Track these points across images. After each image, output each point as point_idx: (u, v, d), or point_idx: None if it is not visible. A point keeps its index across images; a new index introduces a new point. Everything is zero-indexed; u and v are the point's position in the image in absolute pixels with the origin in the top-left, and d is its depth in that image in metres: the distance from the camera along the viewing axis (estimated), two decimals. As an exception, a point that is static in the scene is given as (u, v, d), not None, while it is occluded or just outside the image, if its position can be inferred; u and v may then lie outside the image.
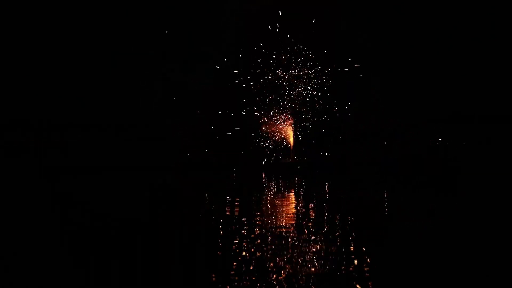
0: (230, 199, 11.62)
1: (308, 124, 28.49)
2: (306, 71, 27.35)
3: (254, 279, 4.24)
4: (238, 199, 11.62)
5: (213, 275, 4.46)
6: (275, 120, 28.62)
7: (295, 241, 5.91)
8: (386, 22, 30.66)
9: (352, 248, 5.58)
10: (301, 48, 27.38)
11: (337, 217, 8.26)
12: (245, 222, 7.48)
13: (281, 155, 28.81)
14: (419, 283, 4.20)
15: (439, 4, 30.21)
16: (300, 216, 8.22)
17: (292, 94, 28.19)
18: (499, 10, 29.39)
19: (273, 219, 7.90)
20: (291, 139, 29.06)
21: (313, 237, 6.22)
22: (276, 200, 11.12)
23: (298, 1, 27.82)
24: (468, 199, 10.76)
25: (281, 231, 6.55)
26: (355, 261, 4.87)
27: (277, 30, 26.65)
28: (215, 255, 5.27)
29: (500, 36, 29.90)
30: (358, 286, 4.06)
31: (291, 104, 28.37)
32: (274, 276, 4.34)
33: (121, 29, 32.08)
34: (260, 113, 28.22)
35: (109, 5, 31.77)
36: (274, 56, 27.11)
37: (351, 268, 4.62)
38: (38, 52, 31.58)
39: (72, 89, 32.64)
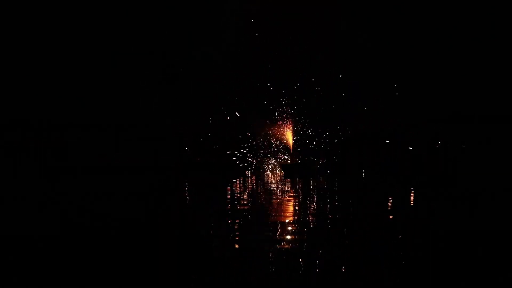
0: (230, 200, 11.64)
1: (307, 126, 28.50)
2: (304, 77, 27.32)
3: (252, 278, 4.24)
4: (238, 199, 11.63)
5: (212, 275, 4.46)
6: (274, 121, 28.59)
7: (296, 245, 5.91)
8: (386, 22, 30.68)
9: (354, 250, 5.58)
10: (301, 51, 27.33)
11: (338, 216, 8.25)
12: (245, 222, 7.49)
13: (280, 156, 28.83)
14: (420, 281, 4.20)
15: (439, 4, 30.22)
16: (301, 219, 8.21)
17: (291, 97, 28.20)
18: (499, 10, 29.40)
19: (273, 222, 7.90)
20: (290, 141, 29.05)
21: (312, 240, 6.22)
22: (275, 202, 11.12)
23: (298, 1, 27.83)
24: (467, 199, 10.76)
25: (282, 234, 6.55)
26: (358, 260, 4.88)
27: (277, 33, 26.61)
28: (214, 255, 5.27)
29: (500, 36, 29.91)
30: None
31: (290, 108, 28.37)
32: (274, 277, 4.34)
33: (121, 29, 32.09)
34: (260, 115, 28.22)
35: (109, 5, 31.78)
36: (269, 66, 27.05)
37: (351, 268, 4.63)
38: (38, 52, 31.58)
39: (72, 89, 32.64)
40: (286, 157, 28.71)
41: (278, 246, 5.56)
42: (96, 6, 31.54)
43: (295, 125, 28.58)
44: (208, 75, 28.92)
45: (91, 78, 32.45)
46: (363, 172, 24.37)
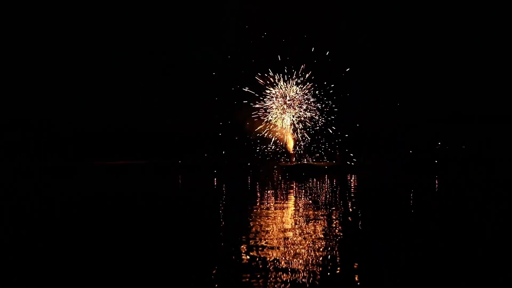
0: (229, 200, 11.65)
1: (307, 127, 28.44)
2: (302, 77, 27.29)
3: (252, 276, 4.24)
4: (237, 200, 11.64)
5: (211, 275, 4.46)
6: (275, 123, 28.49)
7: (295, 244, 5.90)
8: (386, 22, 30.66)
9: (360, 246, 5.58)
10: (300, 52, 27.23)
11: (342, 215, 8.25)
12: (243, 223, 7.49)
13: (282, 158, 28.82)
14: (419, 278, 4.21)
15: (439, 4, 30.21)
16: (301, 219, 8.20)
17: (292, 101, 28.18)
18: (499, 10, 29.40)
19: (271, 223, 7.89)
20: (290, 143, 28.98)
21: (312, 239, 6.21)
22: (275, 201, 11.12)
23: (298, 1, 27.80)
24: (468, 197, 10.77)
25: (278, 236, 6.54)
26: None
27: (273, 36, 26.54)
28: (214, 255, 5.27)
29: (500, 36, 29.90)
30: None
31: (291, 110, 28.32)
32: (273, 277, 4.34)
33: (121, 29, 32.08)
34: (260, 117, 28.17)
35: (109, 6, 31.79)
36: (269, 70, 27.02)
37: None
38: (38, 52, 31.58)
39: (72, 89, 32.64)
40: (285, 158, 28.67)
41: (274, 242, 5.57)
42: (96, 6, 31.56)
43: (295, 125, 28.55)
44: (208, 75, 28.90)
45: (91, 78, 32.50)
46: (363, 172, 24.38)
